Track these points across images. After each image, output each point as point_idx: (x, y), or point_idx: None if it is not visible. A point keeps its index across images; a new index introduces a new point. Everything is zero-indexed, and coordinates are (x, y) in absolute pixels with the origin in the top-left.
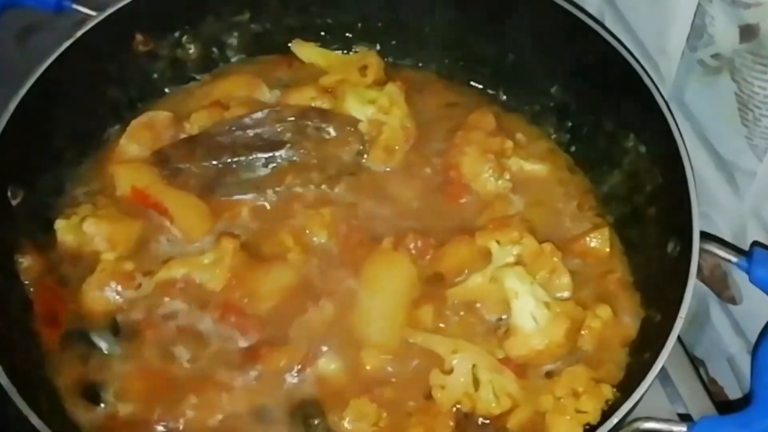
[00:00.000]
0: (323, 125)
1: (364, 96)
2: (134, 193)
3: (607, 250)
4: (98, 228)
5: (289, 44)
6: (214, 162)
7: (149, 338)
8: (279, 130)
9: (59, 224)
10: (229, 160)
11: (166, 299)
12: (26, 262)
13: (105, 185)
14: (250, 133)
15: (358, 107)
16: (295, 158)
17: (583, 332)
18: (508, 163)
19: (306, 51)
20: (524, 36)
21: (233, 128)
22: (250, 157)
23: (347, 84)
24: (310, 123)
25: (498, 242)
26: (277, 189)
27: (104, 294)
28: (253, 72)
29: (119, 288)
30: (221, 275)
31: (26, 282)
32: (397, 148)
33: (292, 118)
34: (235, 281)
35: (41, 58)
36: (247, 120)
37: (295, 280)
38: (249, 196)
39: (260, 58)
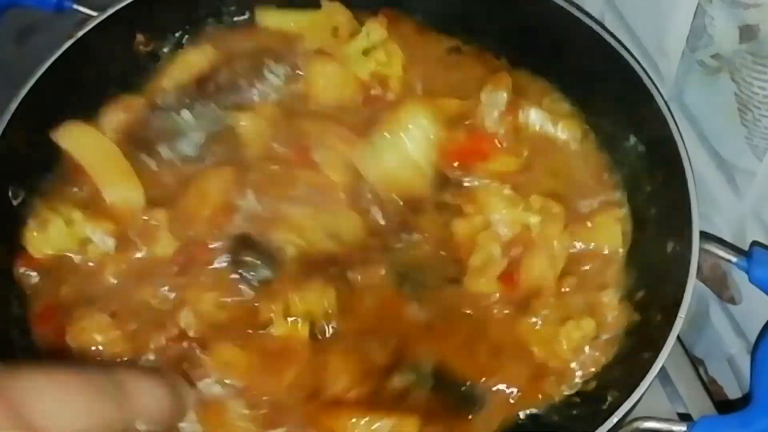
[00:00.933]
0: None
1: (357, 49)
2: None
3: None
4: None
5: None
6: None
7: None
8: (240, 80)
9: (29, 239)
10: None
11: None
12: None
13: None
14: (212, 86)
15: (360, 69)
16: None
17: (562, 341)
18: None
19: (271, 17)
20: (522, 37)
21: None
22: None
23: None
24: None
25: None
26: None
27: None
28: (220, 47)
29: None
30: None
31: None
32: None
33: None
34: None
35: (41, 58)
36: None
37: None
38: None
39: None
